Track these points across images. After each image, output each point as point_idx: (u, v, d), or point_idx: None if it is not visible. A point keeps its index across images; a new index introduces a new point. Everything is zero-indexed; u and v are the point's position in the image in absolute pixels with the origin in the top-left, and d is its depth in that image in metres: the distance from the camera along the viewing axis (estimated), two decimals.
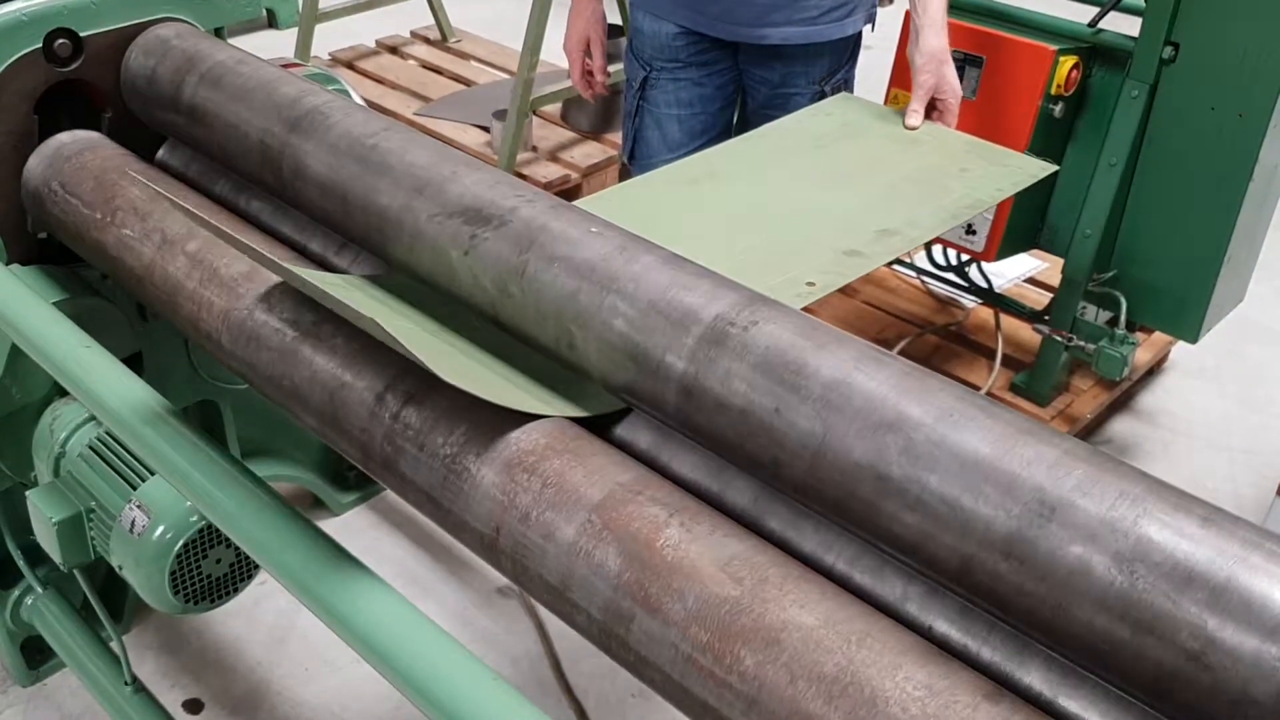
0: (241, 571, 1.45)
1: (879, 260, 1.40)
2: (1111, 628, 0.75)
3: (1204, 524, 0.76)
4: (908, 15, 2.00)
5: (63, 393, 1.61)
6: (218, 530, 1.38)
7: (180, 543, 1.37)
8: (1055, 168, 1.74)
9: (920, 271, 2.84)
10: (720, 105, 2.23)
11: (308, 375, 1.12)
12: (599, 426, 1.08)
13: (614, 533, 0.91)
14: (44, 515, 1.49)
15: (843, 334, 0.96)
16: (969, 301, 2.86)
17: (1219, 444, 2.76)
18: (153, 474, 1.43)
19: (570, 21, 2.27)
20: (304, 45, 3.83)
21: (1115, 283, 2.37)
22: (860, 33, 2.15)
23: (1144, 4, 2.19)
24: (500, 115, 3.37)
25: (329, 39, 4.06)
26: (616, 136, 3.52)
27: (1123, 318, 2.34)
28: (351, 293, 1.15)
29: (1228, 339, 2.82)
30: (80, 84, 1.58)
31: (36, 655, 1.93)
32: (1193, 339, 2.36)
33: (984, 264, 2.64)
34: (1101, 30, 2.28)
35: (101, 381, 1.24)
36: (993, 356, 2.68)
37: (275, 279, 1.20)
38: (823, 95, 2.14)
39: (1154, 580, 0.74)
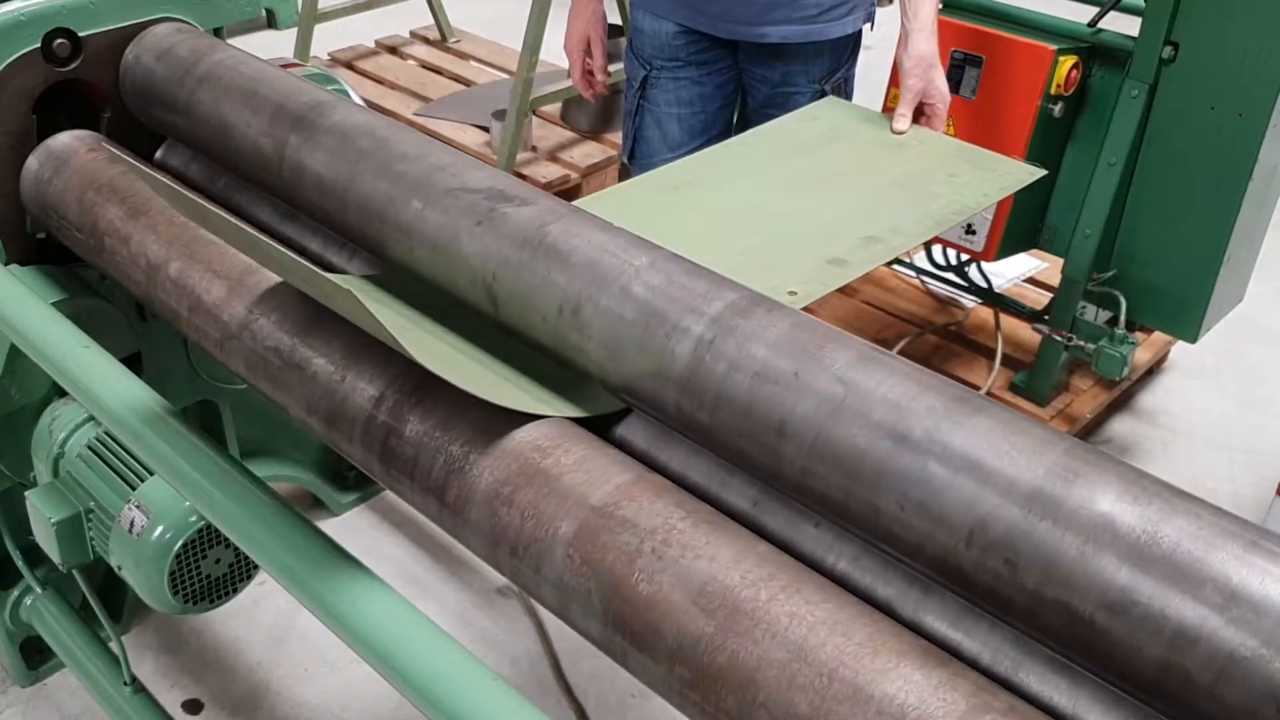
0: (241, 572, 1.45)
1: (862, 269, 1.38)
2: (1111, 627, 0.75)
3: (1205, 524, 0.75)
4: None
5: (62, 393, 1.61)
6: (217, 530, 1.38)
7: (179, 543, 1.37)
8: (1043, 172, 1.73)
9: (920, 271, 2.84)
10: (720, 104, 2.23)
11: (307, 375, 1.12)
12: (599, 426, 1.08)
13: (592, 566, 0.91)
14: (43, 515, 1.49)
15: (842, 333, 0.96)
16: (969, 301, 2.86)
17: (1218, 444, 2.76)
18: (152, 474, 1.43)
19: (570, 21, 2.27)
20: (303, 45, 3.83)
21: (1115, 282, 2.37)
22: (860, 31, 2.14)
23: (1143, 4, 2.19)
24: (500, 115, 3.37)
25: (328, 39, 4.06)
26: (616, 136, 3.53)
27: (1122, 317, 2.34)
28: (352, 292, 1.15)
29: (1227, 339, 2.82)
30: (79, 84, 1.57)
31: (36, 655, 1.93)
32: (1192, 339, 2.36)
33: (984, 264, 2.64)
34: (1101, 30, 2.28)
35: (100, 382, 1.24)
36: (992, 356, 2.68)
37: (275, 278, 1.20)
38: (823, 94, 2.14)
39: (1154, 580, 0.74)
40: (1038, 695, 0.84)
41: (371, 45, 4.21)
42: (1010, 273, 2.90)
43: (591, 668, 2.00)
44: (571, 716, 1.94)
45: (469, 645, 0.94)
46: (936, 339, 2.80)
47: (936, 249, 2.71)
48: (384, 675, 0.95)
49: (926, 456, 0.84)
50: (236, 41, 1.60)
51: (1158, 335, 2.74)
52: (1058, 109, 2.28)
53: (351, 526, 2.30)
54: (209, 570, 1.41)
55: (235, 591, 1.46)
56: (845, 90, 2.20)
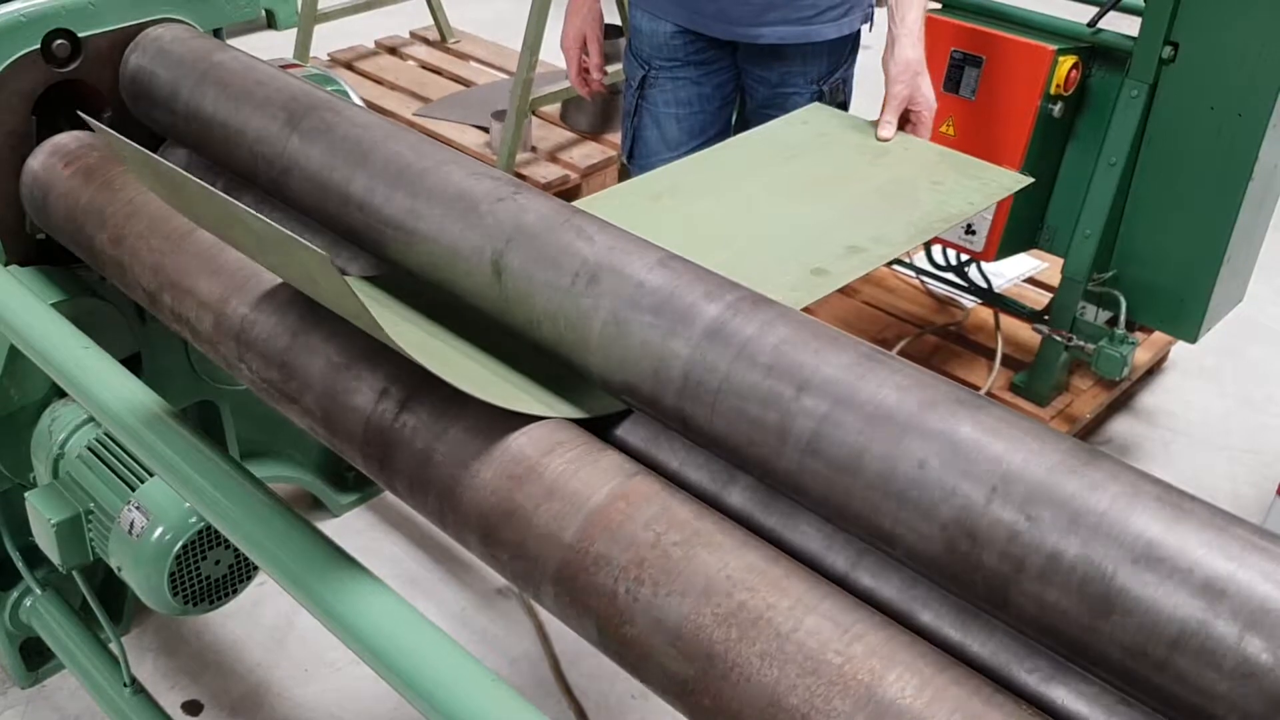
0: (240, 573, 1.45)
1: (845, 279, 1.36)
2: (1112, 629, 0.75)
3: (1205, 525, 0.75)
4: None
5: (61, 394, 1.61)
6: (217, 531, 1.38)
7: (179, 544, 1.37)
8: (1029, 180, 1.72)
9: (920, 271, 2.84)
10: (719, 104, 2.23)
11: (305, 375, 1.12)
12: (598, 427, 1.08)
13: (590, 568, 0.91)
14: (43, 516, 1.49)
15: (842, 334, 0.96)
16: (968, 301, 2.86)
17: (1218, 444, 2.76)
18: (151, 475, 1.43)
19: (567, 19, 2.27)
20: (303, 46, 3.83)
21: (1115, 282, 2.37)
22: (858, 32, 2.14)
23: (1143, 4, 2.19)
24: (499, 116, 3.37)
25: (328, 40, 4.06)
26: (616, 137, 3.52)
27: (1122, 317, 2.34)
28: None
29: (1227, 339, 2.82)
30: (79, 85, 1.57)
31: (35, 657, 1.93)
32: (1192, 339, 2.36)
33: (983, 264, 2.64)
34: (1101, 30, 2.28)
35: (100, 382, 1.24)
36: (992, 356, 2.68)
37: (274, 279, 1.20)
38: (821, 95, 2.14)
39: (1155, 580, 0.74)
40: (1038, 696, 0.84)
41: (371, 46, 4.21)
42: (1010, 273, 2.90)
43: (591, 668, 2.00)
44: (571, 717, 1.94)
45: (468, 646, 0.94)
46: (936, 339, 2.80)
47: (936, 249, 2.71)
48: (383, 676, 0.95)
49: (927, 457, 0.84)
50: (236, 42, 1.60)
51: (1158, 335, 2.75)
52: (1057, 109, 2.28)
53: (351, 527, 2.30)
54: (209, 571, 1.41)
55: (235, 593, 1.46)
56: (844, 90, 2.20)
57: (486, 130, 3.52)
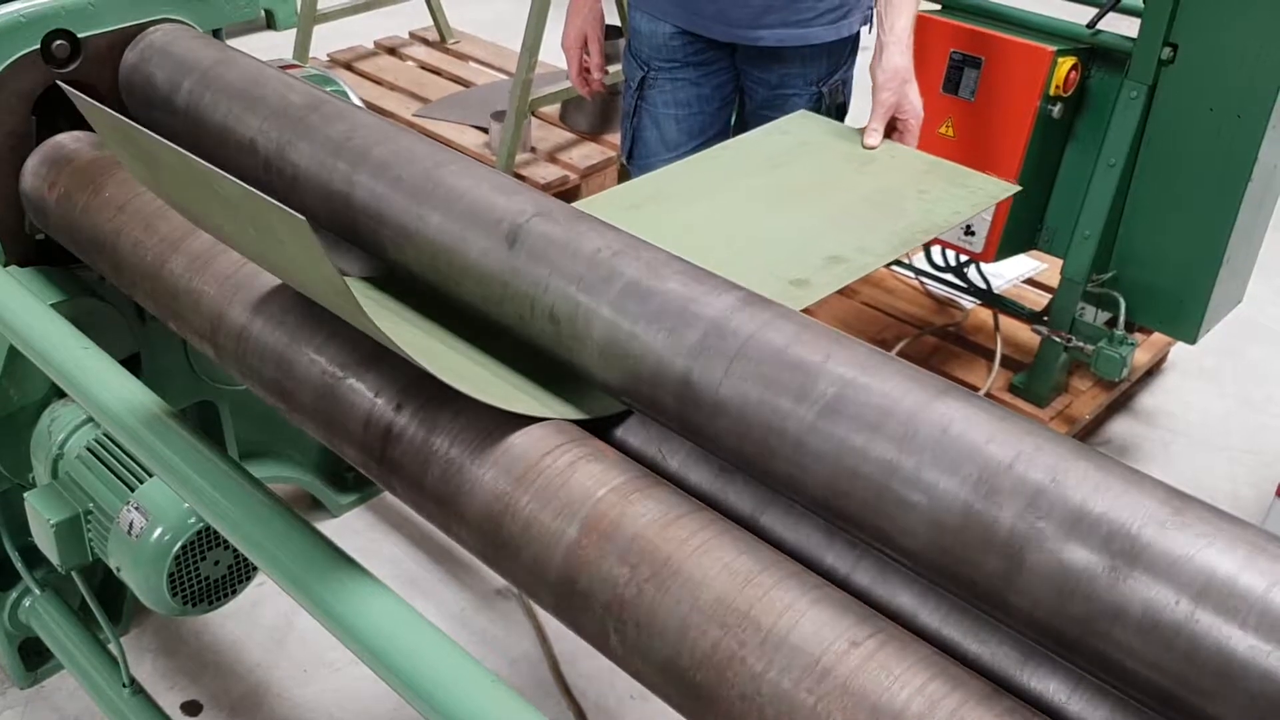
0: (240, 573, 1.45)
1: (825, 290, 1.34)
2: (1111, 629, 0.75)
3: (1206, 525, 0.75)
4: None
5: (61, 394, 1.61)
6: (216, 532, 1.38)
7: (178, 544, 1.37)
8: (1017, 189, 1.71)
9: (919, 272, 2.84)
10: (718, 105, 2.23)
11: (305, 377, 1.12)
12: (599, 428, 1.08)
13: (590, 569, 0.91)
14: (42, 517, 1.49)
15: (842, 335, 0.96)
16: (968, 302, 2.86)
17: (1218, 444, 2.76)
18: (151, 475, 1.43)
19: (568, 19, 2.28)
20: (302, 46, 3.83)
21: (1114, 283, 2.37)
22: (858, 34, 2.14)
23: (1142, 5, 2.19)
24: (499, 116, 3.37)
25: (327, 40, 4.06)
26: (615, 137, 3.52)
27: (1121, 318, 2.34)
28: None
29: (1227, 339, 2.82)
30: (79, 85, 1.57)
31: (34, 657, 1.93)
32: (1191, 339, 2.36)
33: (983, 265, 2.64)
34: (1100, 31, 2.29)
35: (100, 383, 1.24)
36: (992, 357, 2.68)
37: (274, 280, 1.20)
38: (821, 97, 2.14)
39: (1155, 580, 0.74)
40: (1040, 696, 0.84)
41: (370, 46, 4.21)
42: (1009, 274, 2.90)
43: (590, 669, 2.00)
44: (570, 718, 1.94)
45: (467, 646, 0.94)
46: (936, 340, 2.80)
47: (936, 250, 2.71)
48: (383, 677, 0.95)
49: (928, 458, 0.83)
50: (235, 43, 1.60)
51: (1157, 336, 2.75)
52: (1057, 110, 2.28)
53: (350, 527, 2.30)
54: (208, 572, 1.41)
55: (234, 593, 1.46)
56: (844, 92, 2.20)
57: (486, 131, 3.52)
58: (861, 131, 1.79)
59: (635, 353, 1.00)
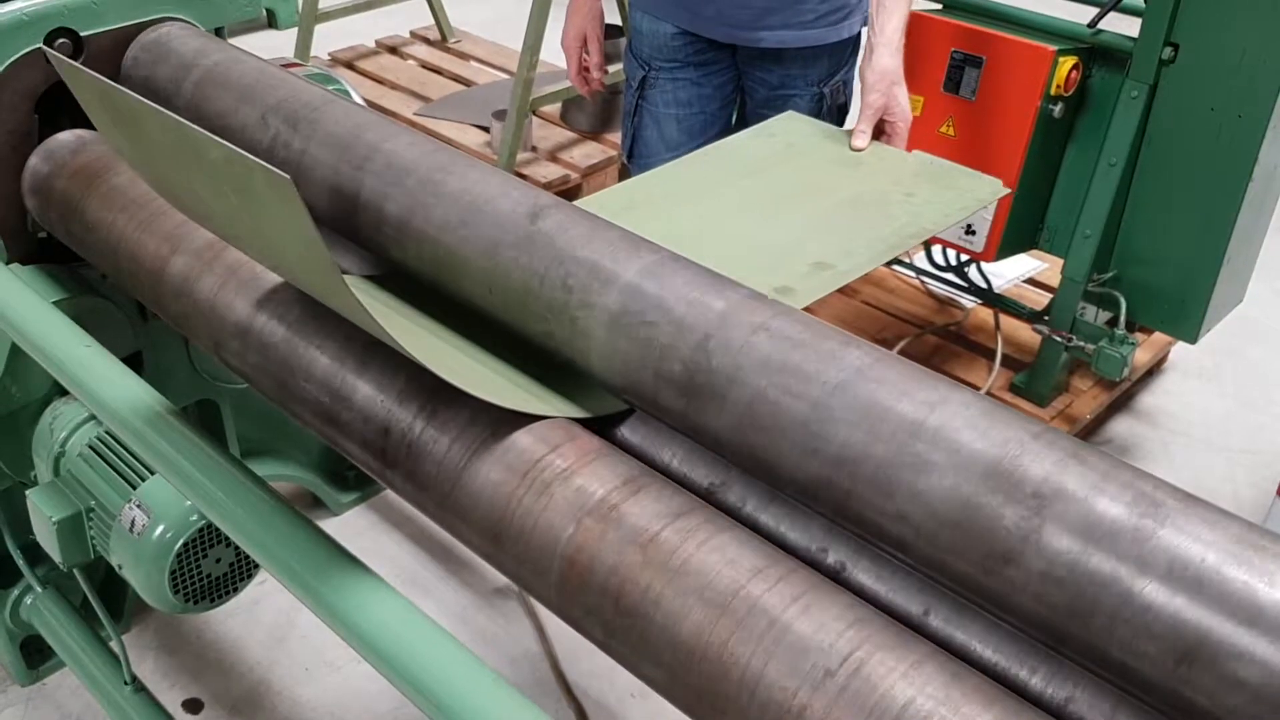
0: (241, 571, 1.45)
1: (810, 297, 1.31)
2: (1113, 627, 0.75)
3: (1206, 525, 0.76)
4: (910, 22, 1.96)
5: (63, 392, 1.61)
6: (218, 529, 1.38)
7: (180, 542, 1.37)
8: (1006, 191, 1.70)
9: (920, 272, 2.84)
10: (719, 105, 2.23)
11: (308, 375, 1.12)
12: (601, 427, 1.08)
13: (591, 569, 0.91)
14: (44, 514, 1.49)
15: (845, 333, 0.96)
16: (968, 302, 2.86)
17: (1218, 444, 2.76)
18: (152, 473, 1.43)
19: (568, 18, 2.28)
20: (304, 45, 3.84)
21: (1115, 283, 2.37)
22: (858, 35, 2.14)
23: (1144, 4, 2.19)
24: (500, 115, 3.38)
25: (329, 39, 4.06)
26: (616, 137, 3.53)
27: (1122, 318, 2.34)
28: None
29: (1227, 339, 2.83)
30: None
31: (36, 655, 1.93)
32: (1192, 339, 2.36)
33: (983, 264, 2.64)
34: (1101, 31, 2.29)
35: (101, 381, 1.24)
36: (992, 357, 2.68)
37: (276, 278, 1.20)
38: (821, 97, 2.14)
39: (1154, 580, 0.74)
40: (1041, 695, 0.84)
41: (372, 45, 4.21)
42: (1010, 273, 2.91)
43: (591, 667, 2.01)
44: (571, 716, 1.94)
45: (468, 645, 0.94)
46: (936, 339, 2.80)
47: (937, 249, 2.71)
48: (385, 675, 0.95)
49: (931, 456, 0.84)
50: (237, 41, 1.60)
51: (1158, 336, 2.75)
52: (1058, 109, 2.28)
53: (351, 526, 2.30)
54: (209, 569, 1.41)
55: (236, 591, 1.46)
56: (844, 93, 2.20)
57: (487, 130, 3.52)
58: (849, 133, 1.77)
59: (637, 351, 1.01)
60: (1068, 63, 2.24)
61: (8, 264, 1.59)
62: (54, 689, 1.94)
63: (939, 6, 2.47)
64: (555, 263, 1.08)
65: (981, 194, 1.61)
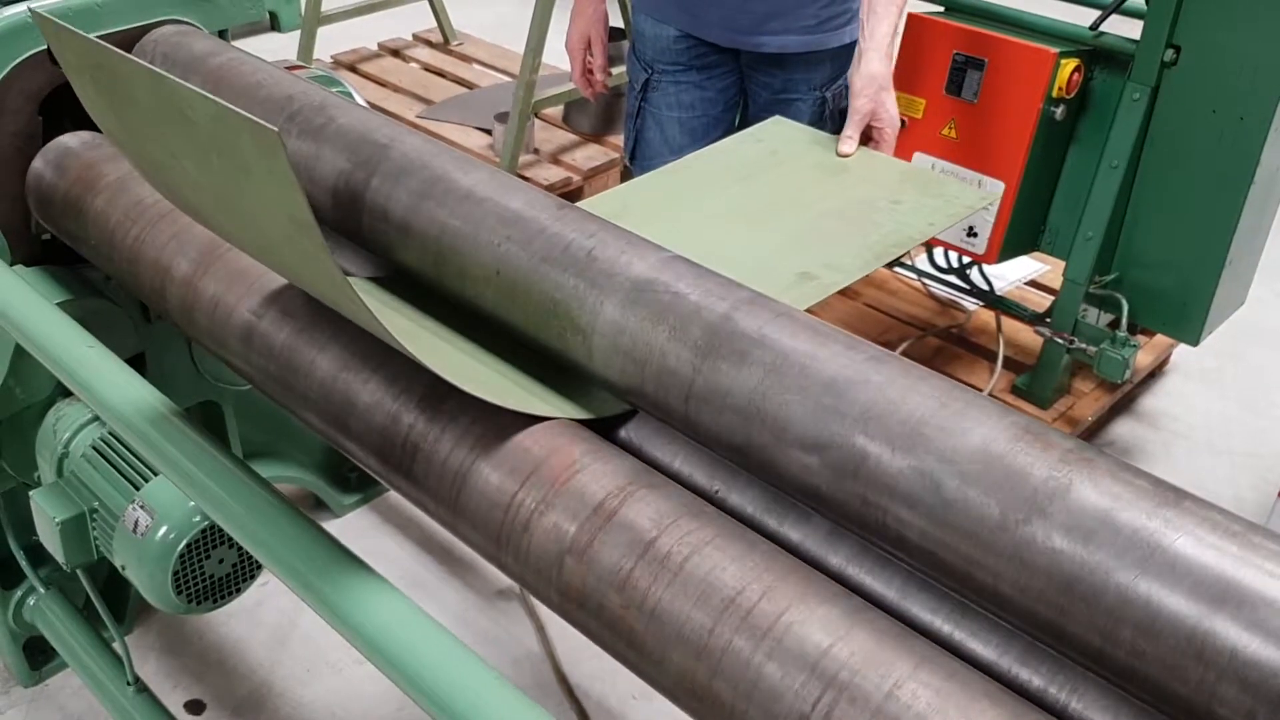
0: (244, 571, 1.45)
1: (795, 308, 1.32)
2: (1112, 627, 0.75)
3: (1207, 525, 0.76)
4: (909, 23, 1.97)
5: (66, 393, 1.61)
6: (221, 530, 1.38)
7: (183, 543, 1.37)
8: (994, 199, 1.70)
9: (921, 274, 2.84)
10: (722, 108, 2.24)
11: (313, 377, 1.13)
12: (604, 428, 1.08)
13: (593, 569, 0.91)
14: (47, 515, 1.49)
15: (848, 335, 0.96)
16: (970, 304, 2.87)
17: (1220, 446, 2.76)
18: (156, 474, 1.43)
19: (572, 20, 2.28)
20: (306, 48, 3.84)
21: (1117, 285, 2.37)
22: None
23: (1145, 7, 2.19)
24: (502, 118, 3.38)
25: (331, 42, 4.07)
26: (618, 139, 3.53)
27: (1124, 320, 2.34)
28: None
29: (1229, 341, 2.83)
30: None
31: (39, 655, 1.94)
32: (1194, 341, 2.36)
33: (985, 266, 2.64)
34: (1103, 33, 2.29)
35: (105, 382, 1.24)
36: (994, 359, 2.68)
37: (280, 279, 1.20)
38: (824, 102, 2.14)
39: (1155, 579, 0.74)
40: (1041, 695, 0.84)
41: (374, 48, 4.22)
42: (1012, 275, 2.91)
43: (593, 669, 2.01)
44: (573, 718, 1.94)
45: (470, 646, 0.94)
46: (938, 341, 2.80)
47: (939, 252, 2.71)
48: (389, 676, 0.95)
49: (931, 454, 0.84)
50: (240, 44, 1.61)
51: (1159, 338, 2.75)
52: (1059, 112, 2.28)
53: (353, 528, 2.31)
54: (212, 570, 1.42)
55: (239, 591, 1.46)
56: (847, 97, 2.20)
57: (489, 132, 3.53)
58: (837, 139, 1.75)
59: (640, 352, 1.01)
60: (1069, 65, 2.25)
61: (12, 265, 1.59)
62: (56, 690, 1.94)
63: (941, 9, 2.47)
64: (558, 264, 1.08)
65: (968, 202, 1.60)
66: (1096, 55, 2.31)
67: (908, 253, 2.04)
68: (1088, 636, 0.77)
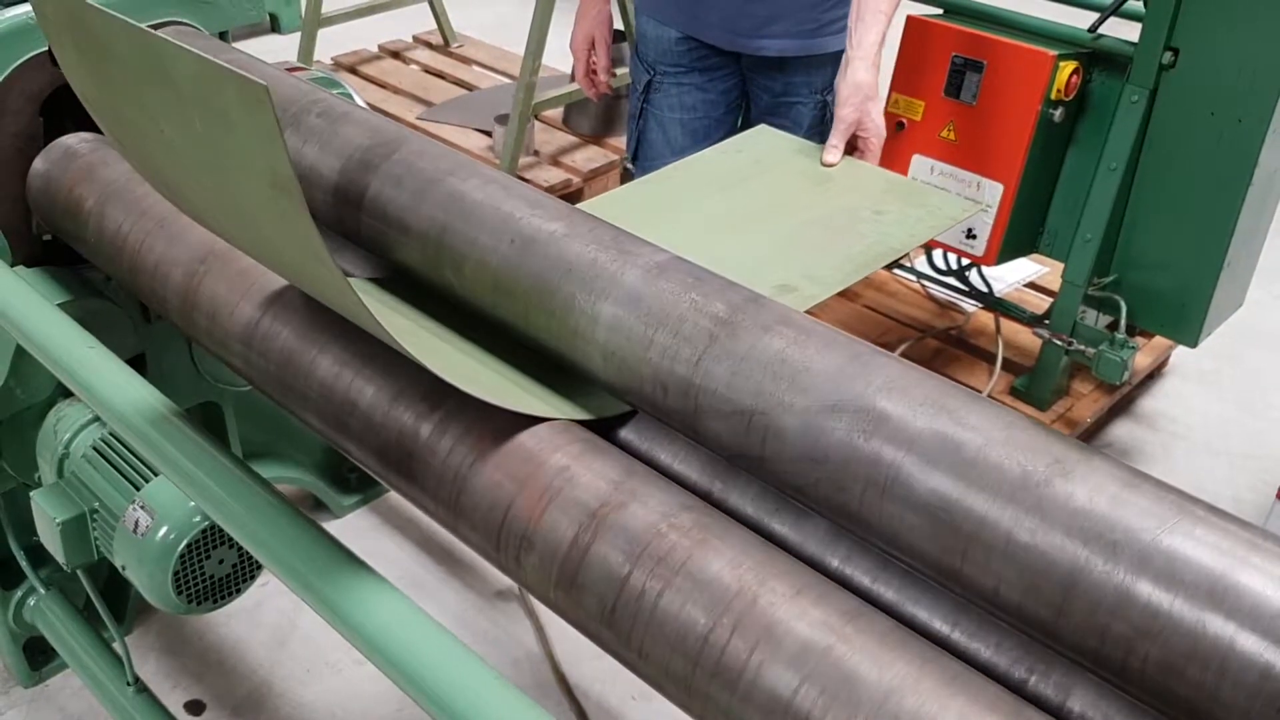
0: (244, 572, 1.45)
1: None
2: (1112, 627, 0.75)
3: (1206, 525, 0.76)
4: (908, 25, 1.96)
5: (66, 394, 1.61)
6: (221, 530, 1.38)
7: (184, 543, 1.38)
8: (979, 208, 1.69)
9: (921, 275, 2.84)
10: (724, 110, 2.24)
11: (313, 377, 1.13)
12: (603, 428, 1.08)
13: (593, 568, 0.91)
14: (48, 515, 1.49)
15: (848, 337, 0.97)
16: (969, 306, 2.87)
17: (1218, 448, 2.76)
18: (156, 474, 1.44)
19: (577, 21, 2.29)
20: (306, 50, 3.85)
21: (1115, 287, 2.37)
22: None
23: (1144, 9, 2.20)
24: (502, 119, 3.38)
25: (331, 43, 4.07)
26: (618, 141, 3.54)
27: (1123, 322, 2.35)
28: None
29: (1227, 343, 2.83)
30: None
31: (39, 656, 1.94)
32: (1192, 343, 2.36)
33: (984, 268, 2.65)
34: (1101, 35, 2.29)
35: (105, 382, 1.24)
36: (993, 360, 2.69)
37: (281, 281, 1.21)
38: (825, 105, 2.15)
39: (1154, 580, 0.74)
40: (1040, 694, 0.84)
41: (374, 49, 4.23)
42: (1011, 277, 2.91)
43: (592, 670, 2.01)
44: (573, 718, 1.95)
45: (470, 646, 0.95)
46: (937, 343, 2.81)
47: (938, 253, 2.71)
48: (390, 676, 0.95)
49: (931, 454, 0.84)
50: (240, 46, 1.61)
51: (1158, 340, 2.75)
52: (1058, 114, 2.29)
53: (353, 528, 2.31)
54: (213, 570, 1.42)
55: (239, 592, 1.46)
56: None
57: (489, 134, 3.53)
58: (822, 148, 1.73)
59: (639, 353, 1.01)
60: (1068, 67, 2.25)
61: (12, 266, 1.60)
62: (56, 690, 1.94)
63: (940, 11, 2.48)
64: (558, 265, 1.08)
65: (951, 213, 1.58)
66: (1095, 57, 2.31)
67: (906, 255, 2.04)
68: (1086, 637, 0.77)
